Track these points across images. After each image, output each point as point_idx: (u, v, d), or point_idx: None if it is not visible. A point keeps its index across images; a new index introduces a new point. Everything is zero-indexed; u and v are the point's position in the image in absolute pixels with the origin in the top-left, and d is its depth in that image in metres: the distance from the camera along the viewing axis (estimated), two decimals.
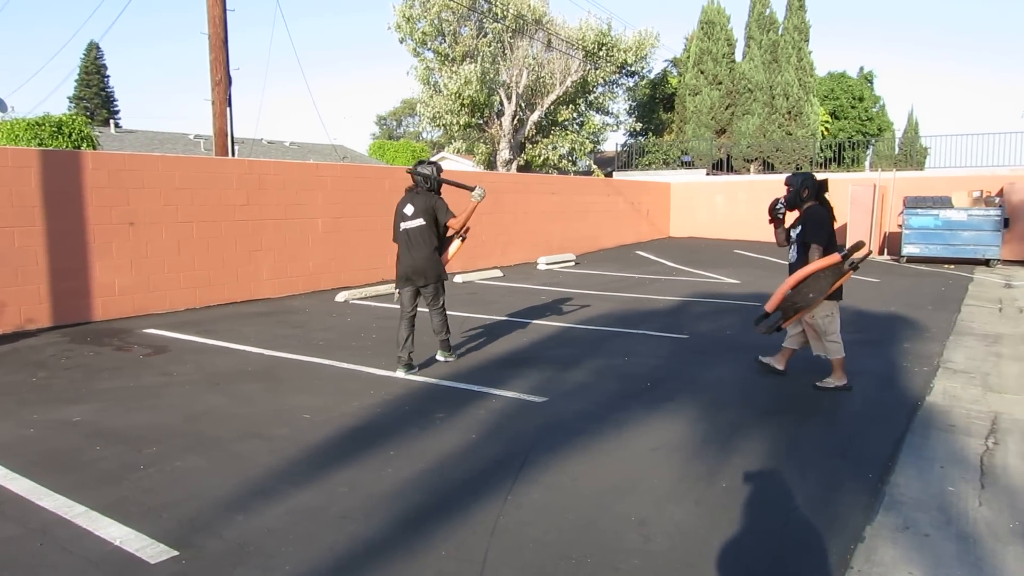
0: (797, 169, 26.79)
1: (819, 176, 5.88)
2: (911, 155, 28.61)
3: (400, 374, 6.13)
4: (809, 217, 5.63)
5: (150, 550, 3.15)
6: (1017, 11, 73.49)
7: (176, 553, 3.13)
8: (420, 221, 6.20)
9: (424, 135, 46.89)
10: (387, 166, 22.83)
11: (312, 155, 30.08)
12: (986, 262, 15.58)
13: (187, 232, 9.50)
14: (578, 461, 4.25)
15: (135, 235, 8.94)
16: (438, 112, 24.91)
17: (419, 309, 6.37)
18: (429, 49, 25.51)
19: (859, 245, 5.30)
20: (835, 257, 5.30)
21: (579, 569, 3.03)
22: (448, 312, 6.63)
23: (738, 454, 4.37)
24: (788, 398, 5.52)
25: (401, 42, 25.32)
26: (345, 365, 6.55)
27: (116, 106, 44.11)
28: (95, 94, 42.95)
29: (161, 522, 3.42)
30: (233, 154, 11.96)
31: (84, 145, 15.18)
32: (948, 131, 57.18)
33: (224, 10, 11.39)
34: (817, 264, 5.31)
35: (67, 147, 14.59)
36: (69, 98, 42.39)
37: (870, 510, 3.59)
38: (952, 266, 15.55)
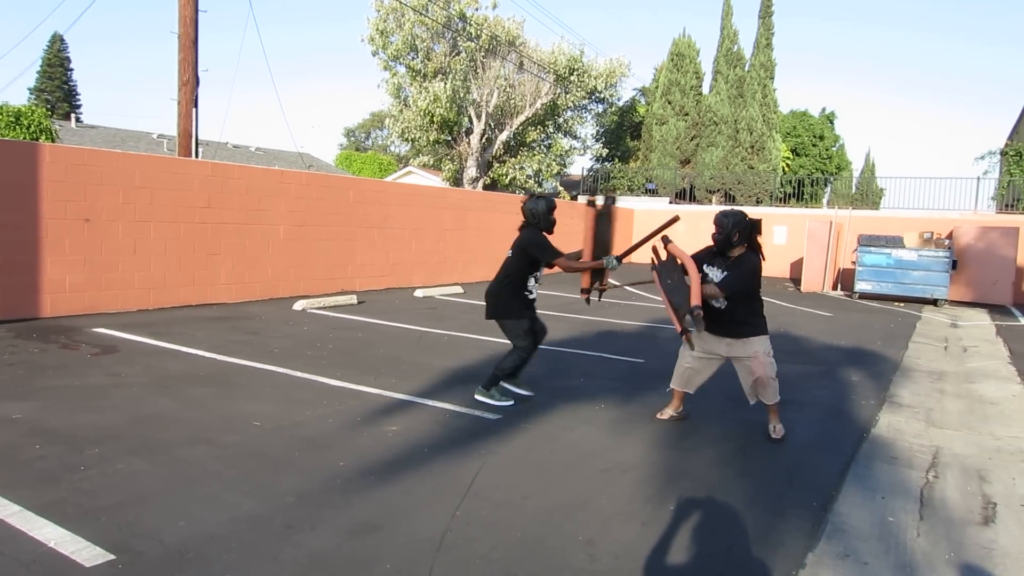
0: (757, 203, 27.34)
1: (753, 216, 5.22)
2: (867, 195, 29.43)
3: (477, 396, 5.84)
4: (742, 266, 5.05)
5: (86, 553, 3.06)
6: (976, 60, 76.39)
7: (113, 557, 3.05)
8: (509, 252, 5.95)
9: (392, 148, 46.91)
10: (353, 176, 22.70)
11: (278, 162, 29.82)
12: (934, 302, 16.01)
13: (144, 232, 9.34)
14: (529, 479, 4.25)
15: (90, 232, 8.76)
16: (407, 127, 24.96)
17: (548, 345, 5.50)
18: (401, 64, 25.56)
19: (692, 323, 4.70)
20: (697, 300, 4.66)
21: None
22: (405, 326, 6.31)
23: (687, 478, 4.42)
24: (739, 425, 5.59)
25: (374, 55, 25.36)
26: (299, 374, 6.47)
27: (78, 100, 43.39)
28: (57, 87, 42.15)
29: (99, 525, 3.33)
30: (197, 156, 11.81)
31: (43, 138, 14.87)
32: (903, 173, 58.95)
33: (196, 10, 11.30)
34: (697, 285, 4.72)
35: (24, 138, 14.25)
36: (30, 89, 41.56)
37: (812, 537, 3.65)
38: (902, 304, 15.95)
